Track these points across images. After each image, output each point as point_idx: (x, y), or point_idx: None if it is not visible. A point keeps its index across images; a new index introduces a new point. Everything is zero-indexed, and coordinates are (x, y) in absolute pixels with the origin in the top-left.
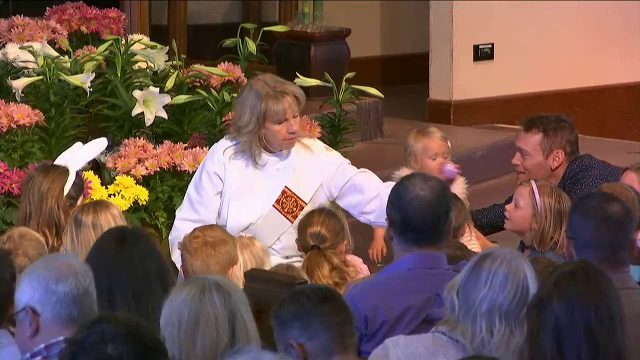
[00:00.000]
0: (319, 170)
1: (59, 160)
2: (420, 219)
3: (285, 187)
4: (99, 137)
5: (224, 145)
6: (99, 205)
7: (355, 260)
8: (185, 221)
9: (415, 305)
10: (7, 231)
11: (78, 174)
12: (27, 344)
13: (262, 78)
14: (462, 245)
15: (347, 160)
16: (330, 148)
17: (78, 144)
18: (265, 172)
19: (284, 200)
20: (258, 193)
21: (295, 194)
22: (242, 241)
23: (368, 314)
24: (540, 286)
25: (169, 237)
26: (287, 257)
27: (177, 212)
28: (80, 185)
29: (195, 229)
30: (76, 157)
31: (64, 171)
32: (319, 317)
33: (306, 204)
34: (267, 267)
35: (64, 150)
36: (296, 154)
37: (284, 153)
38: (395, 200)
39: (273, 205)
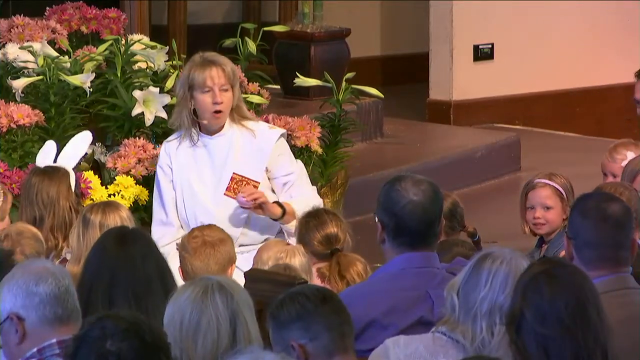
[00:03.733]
0: (261, 148)
1: (40, 162)
2: (415, 224)
3: (234, 173)
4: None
5: (168, 139)
6: (109, 206)
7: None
8: (157, 225)
9: (402, 303)
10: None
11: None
12: (16, 352)
13: (202, 52)
14: (473, 246)
15: (286, 146)
16: (275, 126)
17: (50, 143)
18: (210, 160)
19: (235, 186)
20: (205, 185)
21: (245, 177)
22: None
23: (354, 314)
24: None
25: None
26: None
27: None
28: (77, 183)
29: (193, 229)
30: (67, 155)
31: (66, 172)
32: (320, 318)
33: (259, 182)
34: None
35: (61, 150)
36: (237, 135)
37: (222, 137)
38: (389, 207)
39: (225, 194)
